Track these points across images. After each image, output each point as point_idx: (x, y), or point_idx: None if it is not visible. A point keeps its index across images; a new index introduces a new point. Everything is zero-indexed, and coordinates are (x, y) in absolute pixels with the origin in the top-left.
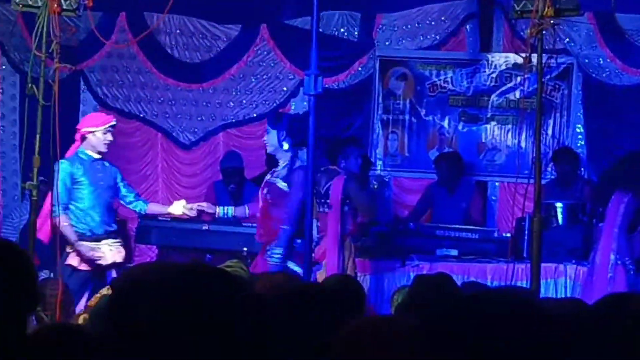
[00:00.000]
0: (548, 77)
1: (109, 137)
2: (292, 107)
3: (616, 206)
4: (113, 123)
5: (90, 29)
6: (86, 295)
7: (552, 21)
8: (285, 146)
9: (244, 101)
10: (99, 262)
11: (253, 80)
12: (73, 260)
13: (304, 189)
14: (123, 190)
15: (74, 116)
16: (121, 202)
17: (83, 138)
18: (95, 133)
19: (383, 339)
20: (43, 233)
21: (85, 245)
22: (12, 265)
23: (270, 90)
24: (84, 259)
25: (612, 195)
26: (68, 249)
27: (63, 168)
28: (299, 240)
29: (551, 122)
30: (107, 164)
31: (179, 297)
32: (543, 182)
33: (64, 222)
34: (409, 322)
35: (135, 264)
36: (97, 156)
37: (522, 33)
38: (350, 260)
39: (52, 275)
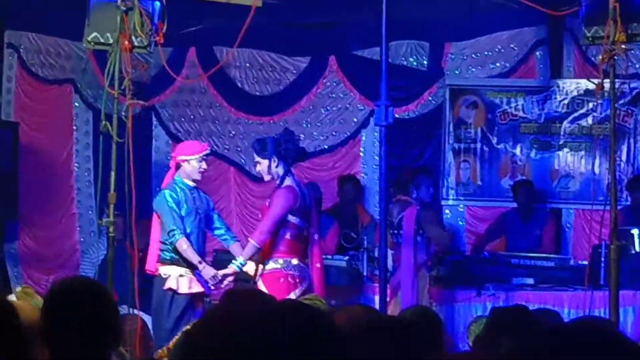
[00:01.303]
0: (620, 102)
1: (204, 165)
2: (363, 138)
3: None
4: (207, 152)
5: (161, 64)
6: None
7: (624, 46)
8: (281, 171)
9: (315, 133)
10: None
11: (323, 112)
12: (173, 283)
13: (284, 209)
14: (216, 222)
15: (147, 152)
16: (212, 233)
17: (178, 166)
18: (190, 161)
19: None
20: (150, 264)
21: (209, 268)
22: (95, 303)
23: (340, 121)
24: (200, 281)
25: None
26: (164, 274)
27: (168, 196)
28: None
29: (625, 147)
30: (201, 192)
31: (262, 336)
32: (618, 208)
33: (184, 246)
34: (489, 358)
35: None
36: (192, 184)
37: (593, 59)
38: (425, 291)
39: (131, 310)
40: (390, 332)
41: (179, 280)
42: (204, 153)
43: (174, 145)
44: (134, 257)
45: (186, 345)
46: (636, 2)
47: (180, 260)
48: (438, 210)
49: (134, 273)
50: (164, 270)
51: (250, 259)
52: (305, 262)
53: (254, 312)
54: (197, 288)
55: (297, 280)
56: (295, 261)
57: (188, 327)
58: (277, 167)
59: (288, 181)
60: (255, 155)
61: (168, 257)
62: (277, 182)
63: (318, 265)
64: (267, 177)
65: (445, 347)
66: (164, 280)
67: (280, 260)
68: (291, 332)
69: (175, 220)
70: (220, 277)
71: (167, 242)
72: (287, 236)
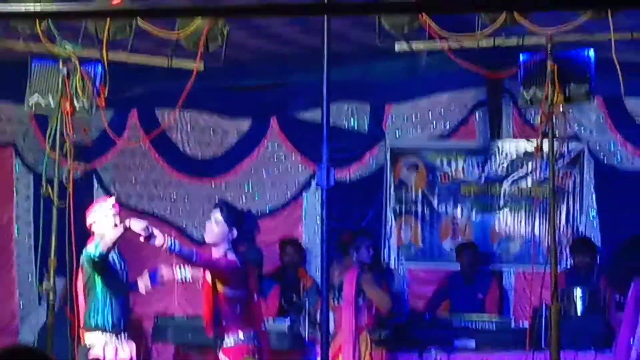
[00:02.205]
0: (560, 164)
1: (116, 220)
2: (305, 201)
3: (636, 294)
4: (112, 205)
5: (103, 127)
6: None
7: (562, 108)
8: (227, 245)
9: (257, 196)
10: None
11: (265, 174)
12: (99, 351)
13: (224, 271)
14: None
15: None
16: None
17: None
18: (97, 222)
19: None
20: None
21: (135, 220)
22: None
23: (282, 182)
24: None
25: (631, 282)
26: (88, 344)
27: (92, 248)
28: None
29: (564, 208)
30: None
31: None
32: (560, 270)
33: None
34: None
35: None
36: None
37: (531, 120)
38: (367, 354)
39: None
40: None
41: (104, 348)
42: (110, 209)
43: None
44: (73, 322)
45: None
46: (573, 64)
47: (107, 326)
48: (379, 272)
49: (73, 338)
50: (88, 338)
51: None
52: (259, 328)
53: None
54: (123, 354)
55: (259, 351)
56: (252, 332)
57: None
58: (230, 235)
59: (230, 255)
60: (217, 215)
61: (92, 324)
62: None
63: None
64: (210, 240)
65: None
66: (87, 350)
67: (241, 335)
68: None
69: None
70: (150, 228)
71: (89, 307)
72: (238, 311)
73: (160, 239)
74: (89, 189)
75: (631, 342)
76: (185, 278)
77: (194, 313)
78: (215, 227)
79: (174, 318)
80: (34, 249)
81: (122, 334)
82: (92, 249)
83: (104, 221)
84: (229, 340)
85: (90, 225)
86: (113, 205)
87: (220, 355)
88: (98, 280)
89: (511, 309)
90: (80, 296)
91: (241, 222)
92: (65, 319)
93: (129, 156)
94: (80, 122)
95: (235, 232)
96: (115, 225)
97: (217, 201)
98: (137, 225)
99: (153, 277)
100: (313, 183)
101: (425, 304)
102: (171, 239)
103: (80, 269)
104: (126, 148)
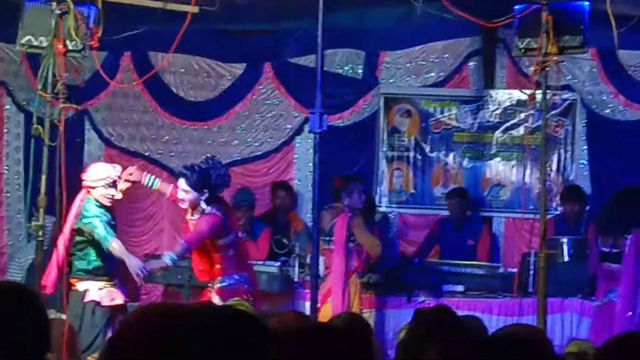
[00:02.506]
0: (552, 113)
1: (112, 191)
2: (297, 145)
3: (636, 245)
4: (115, 178)
5: (96, 68)
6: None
7: (555, 58)
8: (204, 204)
9: (249, 139)
10: (119, 302)
11: (258, 118)
12: (95, 296)
13: (209, 233)
14: None
15: (79, 155)
16: None
17: (88, 190)
18: (97, 188)
19: None
20: (50, 282)
21: (134, 259)
22: (22, 307)
23: (274, 128)
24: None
25: (630, 234)
26: (82, 289)
27: (92, 203)
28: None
29: (555, 157)
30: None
31: (198, 342)
32: (548, 217)
33: (117, 247)
34: None
35: (144, 305)
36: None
37: (525, 70)
38: (356, 297)
39: (59, 315)
40: (320, 339)
41: (100, 292)
42: (111, 180)
43: (107, 149)
44: (61, 268)
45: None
46: (568, 16)
47: (98, 272)
48: (370, 217)
49: (62, 282)
50: (82, 285)
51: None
52: (251, 271)
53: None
54: (119, 300)
55: (251, 293)
56: (245, 274)
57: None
58: (202, 197)
59: (210, 210)
60: (183, 184)
61: (83, 272)
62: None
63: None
64: (185, 207)
65: (375, 354)
66: (82, 294)
67: (236, 276)
68: (223, 332)
69: (105, 227)
70: (148, 269)
71: (79, 256)
72: (231, 252)
73: (162, 264)
74: (80, 130)
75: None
76: (152, 186)
77: None
78: (185, 195)
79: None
80: (24, 187)
81: (116, 280)
82: (102, 232)
83: (100, 190)
84: (222, 281)
85: (86, 184)
86: (119, 177)
87: (213, 295)
88: (94, 232)
89: (500, 256)
90: (62, 248)
91: (208, 179)
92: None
93: (121, 98)
94: (73, 63)
95: (206, 193)
96: (109, 198)
97: (178, 170)
98: (133, 268)
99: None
100: (306, 128)
101: (416, 249)
102: (168, 257)
103: (72, 216)
104: (119, 90)
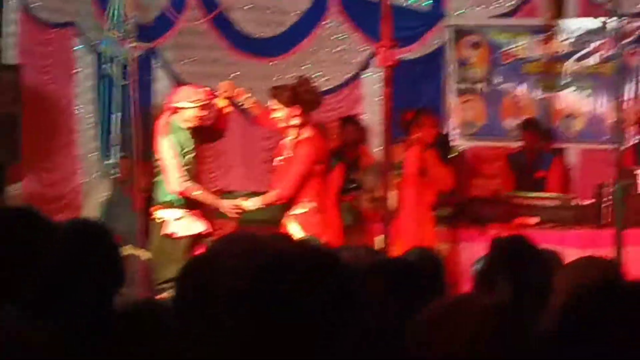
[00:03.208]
0: (625, 41)
1: (203, 112)
2: (366, 79)
3: None
4: (207, 101)
5: (163, 6)
6: None
7: None
8: (298, 120)
9: (316, 75)
10: (197, 231)
11: (324, 53)
12: (172, 227)
13: (309, 162)
14: None
15: (148, 94)
16: None
17: (174, 111)
18: (188, 109)
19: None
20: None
21: (227, 202)
22: (95, 245)
23: (342, 62)
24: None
25: None
26: (158, 218)
27: (171, 141)
28: None
29: (630, 87)
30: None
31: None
32: (623, 148)
33: (196, 190)
34: (481, 303)
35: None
36: (188, 128)
37: None
38: (429, 230)
39: (135, 251)
40: (392, 274)
41: (176, 223)
42: (204, 102)
43: (175, 88)
44: (137, 197)
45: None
46: None
47: (175, 202)
48: (441, 149)
49: (137, 213)
50: (159, 214)
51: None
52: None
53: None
54: (196, 229)
55: (328, 223)
56: (324, 202)
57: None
58: (296, 116)
59: (307, 132)
60: (271, 102)
61: (162, 200)
62: (294, 132)
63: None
64: (281, 125)
65: (448, 289)
66: (160, 225)
67: (313, 203)
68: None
69: (179, 167)
70: (239, 208)
71: (159, 182)
72: (314, 182)
73: (249, 206)
74: (148, 69)
75: None
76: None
77: (254, 189)
78: (275, 114)
79: (235, 194)
80: (97, 125)
81: (194, 210)
82: (179, 178)
83: (191, 112)
84: (299, 209)
85: (172, 105)
86: (207, 103)
87: (290, 221)
88: (171, 161)
89: (574, 187)
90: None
91: (298, 94)
92: (129, 194)
93: (188, 36)
94: (141, 2)
95: (298, 109)
96: (200, 117)
97: (269, 91)
98: (226, 208)
99: None
100: (373, 62)
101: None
102: (255, 200)
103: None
104: (186, 28)
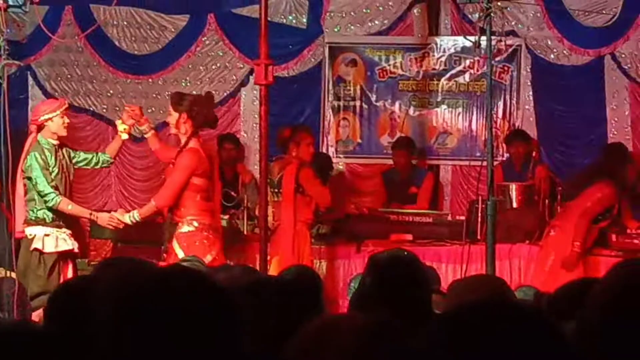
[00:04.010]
0: (497, 59)
1: (67, 120)
2: (243, 97)
3: (594, 193)
4: (66, 105)
5: (37, 23)
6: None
7: (500, 4)
8: (187, 130)
9: (194, 92)
10: (65, 248)
11: (202, 70)
12: (38, 244)
13: (187, 171)
14: (81, 156)
15: (24, 112)
16: (85, 165)
17: (40, 128)
18: (54, 119)
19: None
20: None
21: (102, 214)
22: None
23: (220, 80)
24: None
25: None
26: (29, 235)
27: (38, 158)
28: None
29: (501, 104)
30: (64, 148)
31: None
32: (495, 164)
33: (68, 206)
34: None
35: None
36: (56, 142)
37: (469, 16)
38: (306, 248)
39: (8, 273)
40: (270, 293)
41: (44, 239)
42: (64, 107)
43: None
44: (10, 219)
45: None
46: None
47: (47, 219)
48: (318, 167)
49: (11, 235)
50: (29, 231)
51: (145, 218)
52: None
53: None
54: (64, 246)
55: (212, 241)
56: (207, 221)
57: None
58: (184, 124)
59: (192, 143)
60: (169, 106)
61: (33, 218)
62: (182, 142)
63: None
64: (173, 131)
65: (326, 305)
66: (30, 241)
67: (195, 223)
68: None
69: (48, 182)
70: (116, 219)
71: (33, 204)
72: (197, 198)
73: (127, 221)
74: (24, 86)
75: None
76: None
77: (131, 209)
78: (169, 118)
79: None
80: None
81: (63, 227)
82: (48, 195)
83: (57, 120)
84: (182, 229)
85: (37, 122)
86: (67, 108)
87: (174, 240)
88: (40, 179)
89: (448, 203)
90: (20, 190)
91: (193, 106)
92: (2, 215)
93: (64, 52)
94: (14, 18)
95: (186, 117)
96: (66, 126)
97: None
98: (104, 220)
99: None
100: (251, 79)
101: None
102: (132, 213)
103: (20, 167)
104: (61, 44)
